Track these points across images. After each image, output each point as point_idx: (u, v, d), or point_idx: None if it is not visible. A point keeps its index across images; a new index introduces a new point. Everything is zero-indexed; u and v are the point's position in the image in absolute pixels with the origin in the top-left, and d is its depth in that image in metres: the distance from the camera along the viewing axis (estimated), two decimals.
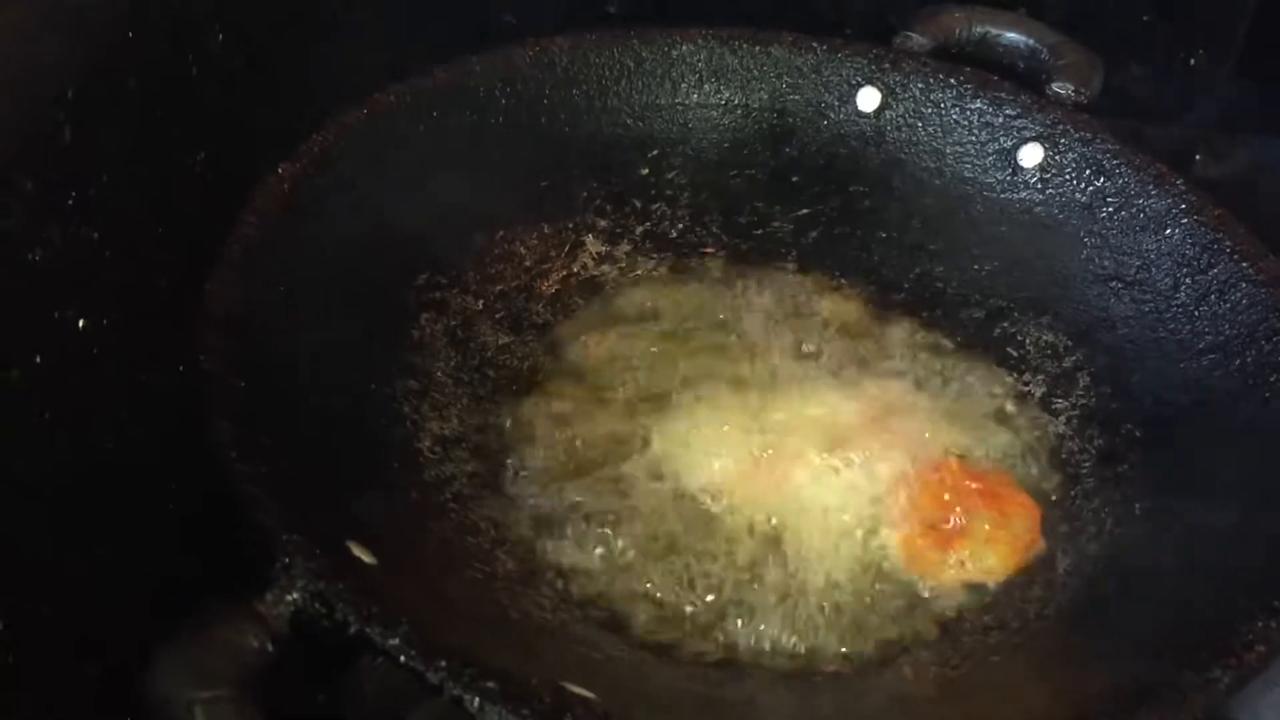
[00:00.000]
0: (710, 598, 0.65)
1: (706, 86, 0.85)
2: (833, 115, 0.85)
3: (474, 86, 0.79)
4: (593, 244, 0.84)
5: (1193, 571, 0.62)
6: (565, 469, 0.70)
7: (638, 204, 0.85)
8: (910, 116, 0.84)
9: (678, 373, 0.76)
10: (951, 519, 0.69)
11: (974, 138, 0.83)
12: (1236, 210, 0.75)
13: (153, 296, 0.65)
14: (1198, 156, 1.07)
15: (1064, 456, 0.74)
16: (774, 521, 0.68)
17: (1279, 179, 1.06)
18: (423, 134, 0.76)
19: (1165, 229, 0.75)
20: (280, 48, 0.76)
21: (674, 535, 0.67)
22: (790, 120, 0.86)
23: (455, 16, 0.93)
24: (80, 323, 0.60)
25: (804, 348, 0.79)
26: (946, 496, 0.70)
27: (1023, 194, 0.81)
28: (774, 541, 0.68)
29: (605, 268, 0.83)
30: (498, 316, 0.78)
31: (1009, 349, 0.80)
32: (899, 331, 0.81)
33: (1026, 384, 0.78)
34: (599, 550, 0.67)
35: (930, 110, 0.83)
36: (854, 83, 0.85)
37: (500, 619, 0.60)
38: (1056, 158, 0.80)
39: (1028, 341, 0.79)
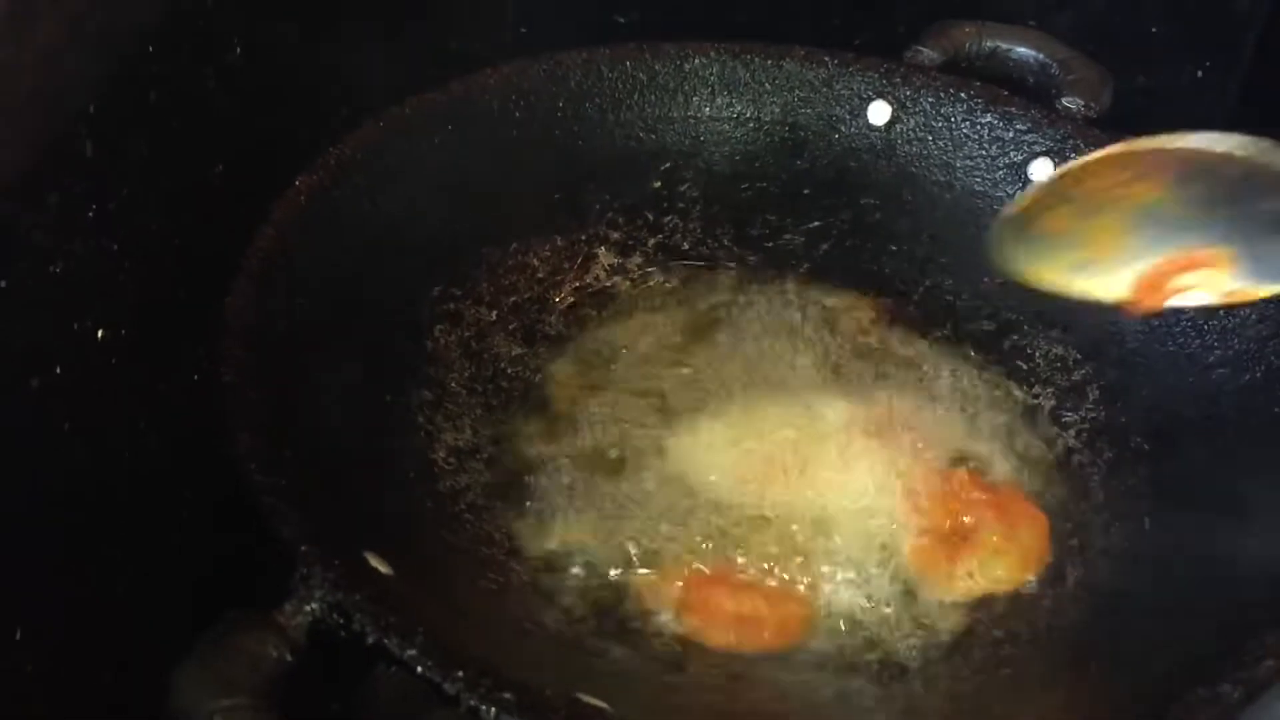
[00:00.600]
0: (722, 608, 0.66)
1: (719, 100, 0.86)
2: (844, 129, 0.86)
3: (488, 100, 0.80)
4: (605, 256, 0.84)
5: (1202, 585, 0.62)
6: (579, 479, 0.71)
7: (650, 216, 0.86)
8: (921, 130, 0.84)
9: (690, 383, 0.77)
10: (960, 530, 0.69)
11: (984, 152, 0.83)
12: None
13: (171, 308, 0.66)
14: None
15: (1073, 469, 0.74)
16: (786, 533, 0.68)
17: None
18: (437, 147, 0.77)
19: None
20: (298, 62, 0.77)
21: (686, 546, 0.68)
22: (802, 133, 0.86)
23: (470, 31, 0.93)
24: (99, 333, 0.60)
25: (814, 360, 0.80)
26: (955, 508, 0.70)
27: None
28: (786, 554, 0.68)
29: (617, 279, 0.84)
30: (511, 328, 0.79)
31: (1019, 362, 0.80)
32: (909, 344, 0.81)
33: (1036, 397, 0.78)
34: (613, 560, 0.67)
35: (941, 124, 0.84)
36: (865, 96, 0.85)
37: (515, 629, 0.61)
38: None
39: (1037, 354, 0.80)
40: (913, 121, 0.85)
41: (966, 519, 0.69)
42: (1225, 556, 0.63)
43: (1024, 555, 0.68)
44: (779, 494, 0.70)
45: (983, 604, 0.67)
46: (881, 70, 0.85)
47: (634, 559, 0.67)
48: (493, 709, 0.49)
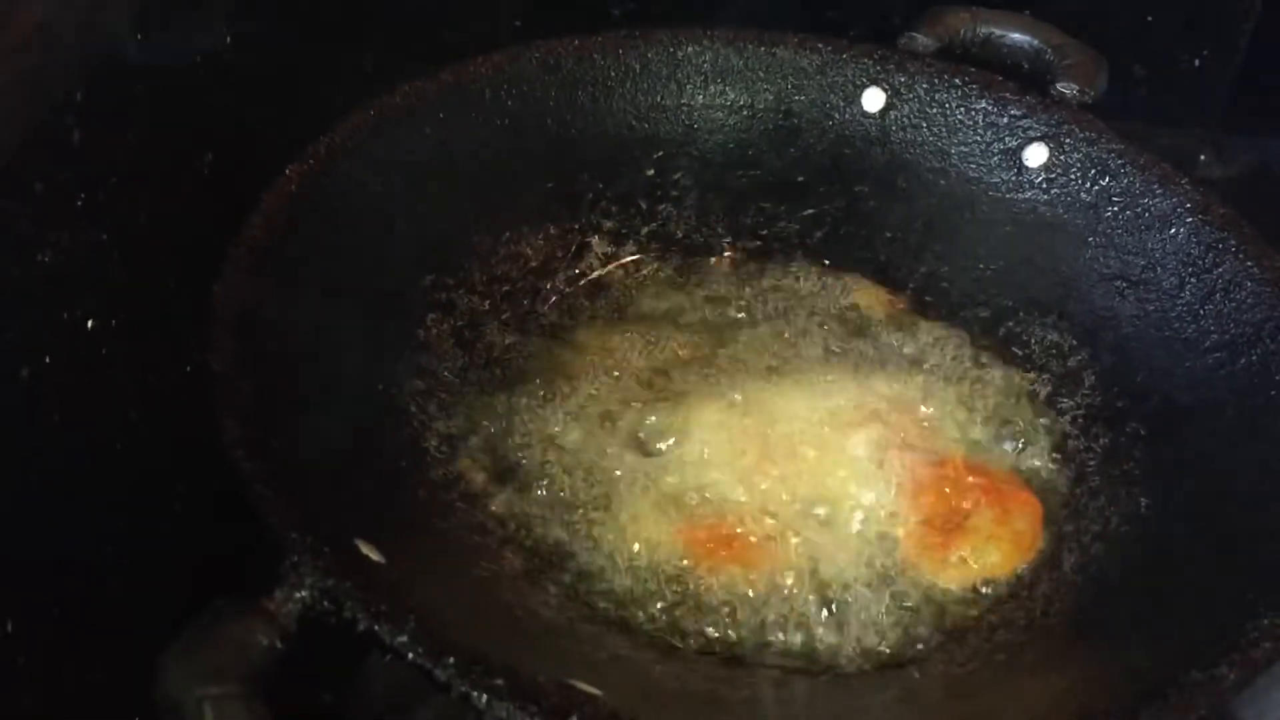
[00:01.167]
0: (716, 597, 0.66)
1: (712, 88, 0.85)
2: (838, 116, 0.85)
3: (480, 89, 0.79)
4: (599, 245, 0.84)
5: (1197, 569, 0.62)
6: (572, 467, 0.70)
7: (643, 205, 0.85)
8: (915, 117, 0.84)
9: (684, 371, 0.77)
10: (955, 515, 0.69)
11: (979, 138, 0.83)
12: (1241, 210, 0.75)
13: (161, 298, 0.66)
14: (1202, 157, 1.08)
15: (1070, 454, 0.74)
16: (780, 519, 0.68)
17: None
18: (429, 136, 0.76)
19: (1170, 228, 0.75)
20: (287, 50, 0.77)
21: (679, 534, 0.68)
22: (796, 121, 0.86)
23: (462, 19, 0.93)
24: (89, 323, 0.60)
25: (809, 345, 0.80)
26: (950, 493, 0.70)
27: (1028, 194, 0.81)
28: (780, 539, 0.68)
29: (611, 268, 0.84)
30: (504, 317, 0.79)
31: (1015, 348, 0.80)
32: (904, 330, 0.81)
33: (1032, 383, 0.78)
34: (605, 548, 0.67)
35: (935, 110, 0.83)
36: (859, 83, 0.85)
37: (507, 617, 0.61)
38: (1061, 158, 0.80)
39: (1033, 340, 0.79)
40: (907, 108, 0.84)
41: (961, 504, 0.69)
42: (1221, 541, 0.63)
43: (1018, 540, 0.68)
44: (774, 478, 0.69)
45: (978, 589, 0.67)
46: (875, 57, 0.84)
47: (630, 545, 0.67)
48: (484, 695, 0.49)
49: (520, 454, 0.71)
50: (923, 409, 0.75)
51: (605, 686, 0.54)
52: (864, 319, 0.82)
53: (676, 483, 0.70)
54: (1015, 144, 0.82)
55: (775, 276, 0.84)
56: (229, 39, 0.70)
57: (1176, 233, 0.75)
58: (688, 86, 0.85)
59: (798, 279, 0.84)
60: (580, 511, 0.68)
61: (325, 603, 0.51)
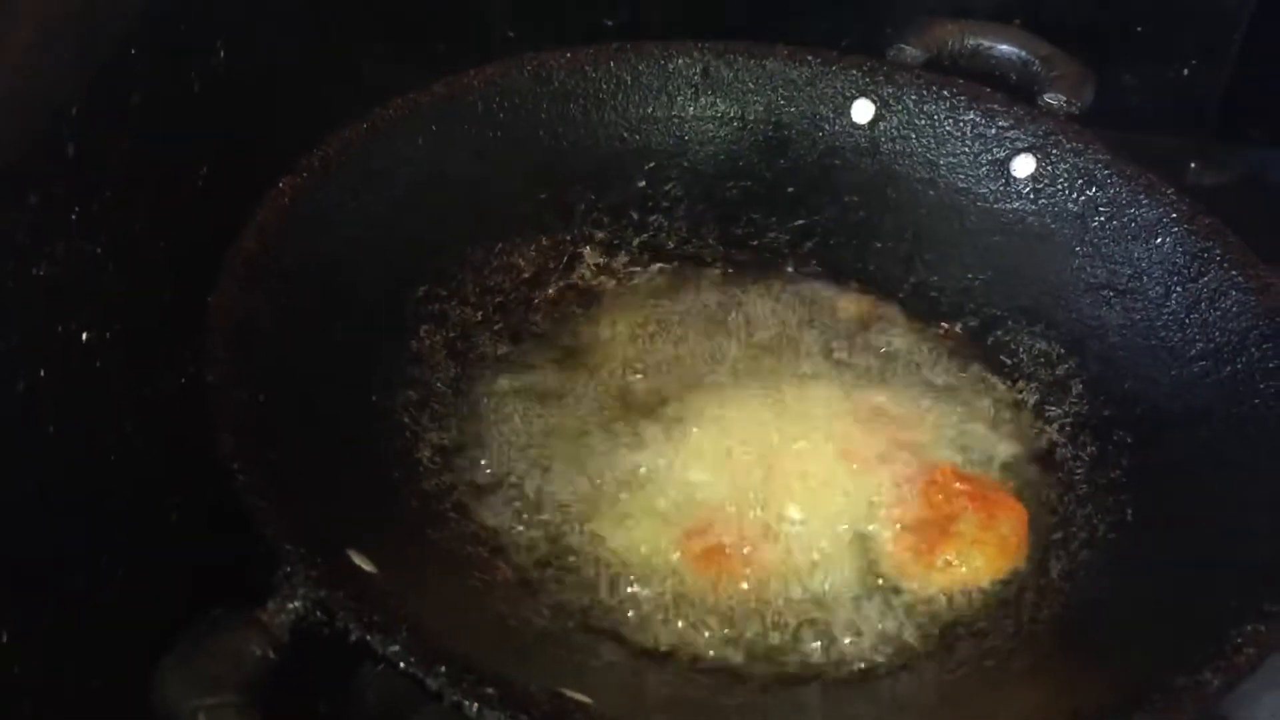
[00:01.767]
0: (707, 605, 0.66)
1: (703, 99, 0.86)
2: (828, 127, 0.86)
3: (472, 101, 0.80)
4: (590, 255, 0.85)
5: (1184, 576, 0.63)
6: (564, 478, 0.71)
7: (635, 215, 0.86)
8: (904, 128, 0.85)
9: (674, 381, 0.77)
10: (940, 522, 0.69)
11: (967, 149, 0.83)
12: (1228, 219, 0.75)
13: (156, 310, 0.66)
14: (1192, 165, 1.08)
15: (1057, 463, 0.74)
16: (770, 527, 0.69)
17: (1270, 188, 1.07)
18: (422, 148, 0.77)
19: (1156, 238, 0.76)
20: (281, 63, 0.77)
21: (671, 541, 0.68)
22: (786, 132, 0.86)
23: (454, 32, 0.94)
24: (84, 336, 0.60)
25: (800, 356, 0.80)
26: (937, 500, 0.70)
27: (1015, 204, 0.82)
28: (770, 547, 0.68)
29: (603, 279, 0.84)
30: (496, 328, 0.79)
31: (1002, 357, 0.80)
32: (893, 340, 0.82)
33: (1020, 392, 0.79)
34: (597, 557, 0.67)
35: (924, 122, 0.84)
36: (849, 95, 0.85)
37: (499, 626, 0.61)
38: (1049, 168, 0.81)
39: (1021, 350, 0.80)
40: (896, 119, 0.85)
41: (947, 511, 0.70)
42: (1207, 548, 0.63)
43: (1002, 547, 0.69)
44: (765, 487, 0.70)
45: (966, 596, 0.67)
46: (864, 68, 0.85)
47: (621, 554, 0.67)
48: (475, 704, 0.49)
49: (512, 464, 0.71)
50: (911, 417, 0.75)
51: (597, 695, 0.54)
52: (853, 328, 0.82)
53: (667, 492, 0.70)
54: (1003, 155, 0.82)
55: (766, 287, 0.85)
56: (223, 53, 0.71)
57: (1162, 242, 0.76)
58: (679, 98, 0.86)
59: (788, 289, 0.85)
60: (572, 521, 0.69)
61: (318, 613, 0.51)
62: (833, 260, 0.86)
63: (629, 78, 0.84)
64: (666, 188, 0.86)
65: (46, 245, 0.57)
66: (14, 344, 0.56)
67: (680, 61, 0.85)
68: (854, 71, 0.85)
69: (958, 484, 0.71)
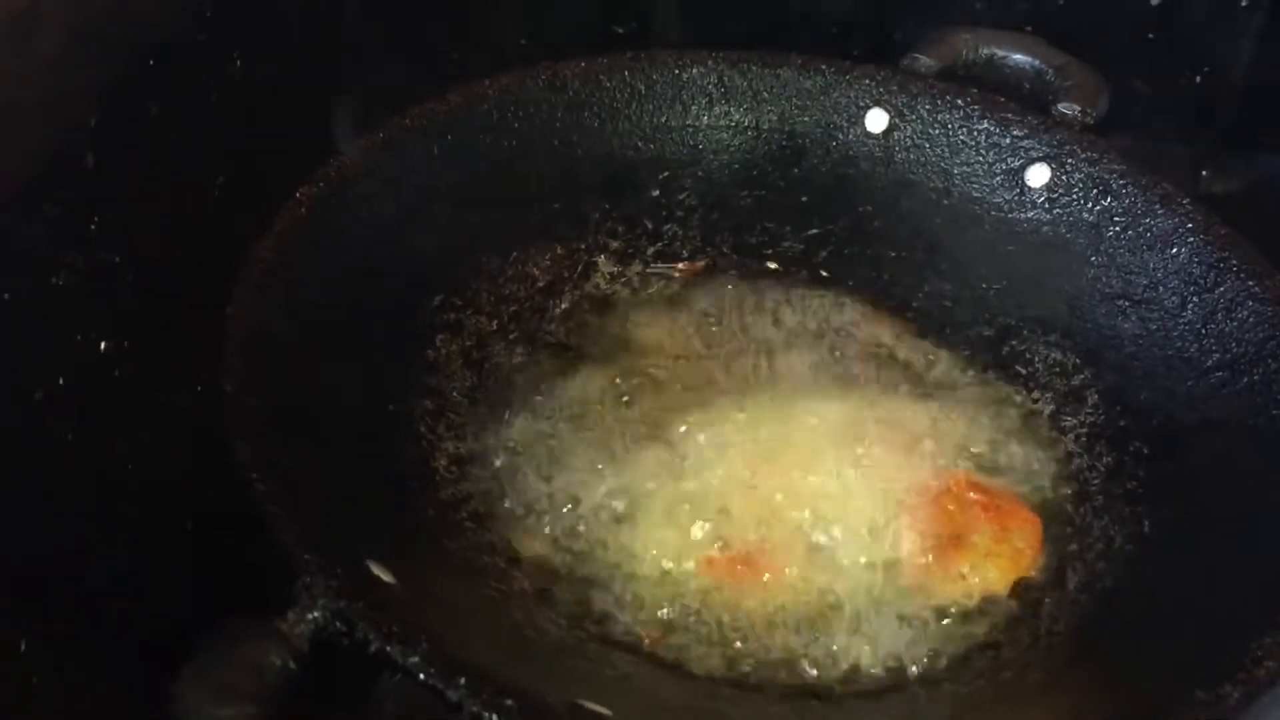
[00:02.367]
0: (722, 616, 0.66)
1: (717, 108, 0.86)
2: (842, 136, 0.86)
3: (487, 110, 0.80)
4: (605, 264, 0.85)
5: (1201, 588, 0.63)
6: (580, 488, 0.71)
7: (649, 225, 0.86)
8: (918, 137, 0.85)
9: (689, 390, 0.77)
10: (954, 533, 0.69)
11: (981, 158, 0.83)
12: (1242, 227, 0.75)
13: (173, 319, 0.66)
14: (1203, 173, 1.08)
15: (1073, 473, 0.74)
16: (785, 538, 0.69)
17: None
18: (437, 157, 0.77)
19: (1172, 248, 0.76)
20: (297, 73, 0.77)
21: (687, 553, 0.68)
22: (800, 141, 0.86)
23: (469, 41, 0.94)
24: (102, 345, 0.61)
25: (814, 365, 0.80)
26: (952, 510, 0.70)
27: (1030, 214, 0.82)
28: (785, 558, 0.68)
29: (617, 288, 0.84)
30: (511, 337, 0.79)
31: (1018, 367, 0.80)
32: (908, 350, 0.82)
33: (1035, 401, 0.78)
34: (613, 567, 0.67)
35: (938, 131, 0.84)
36: (863, 104, 0.85)
37: (517, 637, 0.61)
38: (1063, 178, 0.81)
39: (1036, 360, 0.80)
40: (910, 129, 0.85)
41: (961, 522, 0.69)
42: (1225, 559, 0.63)
43: (1016, 558, 0.69)
44: (780, 497, 0.70)
45: (982, 607, 0.67)
46: (878, 78, 0.85)
47: (637, 564, 0.67)
48: (495, 716, 0.49)
49: (528, 474, 0.71)
50: (926, 428, 0.75)
51: (614, 706, 0.54)
52: (867, 339, 0.82)
53: (683, 503, 0.70)
54: (1018, 164, 0.82)
55: (780, 296, 0.85)
56: (240, 64, 0.71)
57: (1178, 252, 0.75)
58: (693, 107, 0.86)
59: (802, 299, 0.85)
60: (588, 531, 0.69)
61: (337, 623, 0.51)
62: (847, 270, 0.86)
63: (643, 87, 0.85)
64: (681, 197, 0.87)
65: (66, 255, 0.57)
66: (33, 352, 0.56)
67: (695, 71, 0.85)
68: (868, 81, 0.85)
69: (972, 494, 0.71)
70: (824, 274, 0.86)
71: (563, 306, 0.82)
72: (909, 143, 0.85)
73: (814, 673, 0.64)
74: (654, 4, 1.06)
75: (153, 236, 0.64)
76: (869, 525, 0.70)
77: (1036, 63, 0.86)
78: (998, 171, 0.83)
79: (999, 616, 0.67)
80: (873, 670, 0.65)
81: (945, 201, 0.84)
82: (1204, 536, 0.66)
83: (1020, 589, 0.68)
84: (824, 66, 0.86)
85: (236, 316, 0.62)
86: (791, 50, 0.87)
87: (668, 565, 0.67)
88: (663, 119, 0.85)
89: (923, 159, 0.85)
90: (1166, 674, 0.57)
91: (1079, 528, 0.71)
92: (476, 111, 0.80)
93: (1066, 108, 0.83)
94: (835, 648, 0.65)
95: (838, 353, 0.81)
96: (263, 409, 0.59)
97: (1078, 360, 0.79)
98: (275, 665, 0.50)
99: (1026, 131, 0.82)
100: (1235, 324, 0.72)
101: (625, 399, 0.76)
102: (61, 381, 0.57)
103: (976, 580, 0.68)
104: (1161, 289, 0.76)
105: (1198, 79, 1.08)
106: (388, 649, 0.50)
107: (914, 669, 0.65)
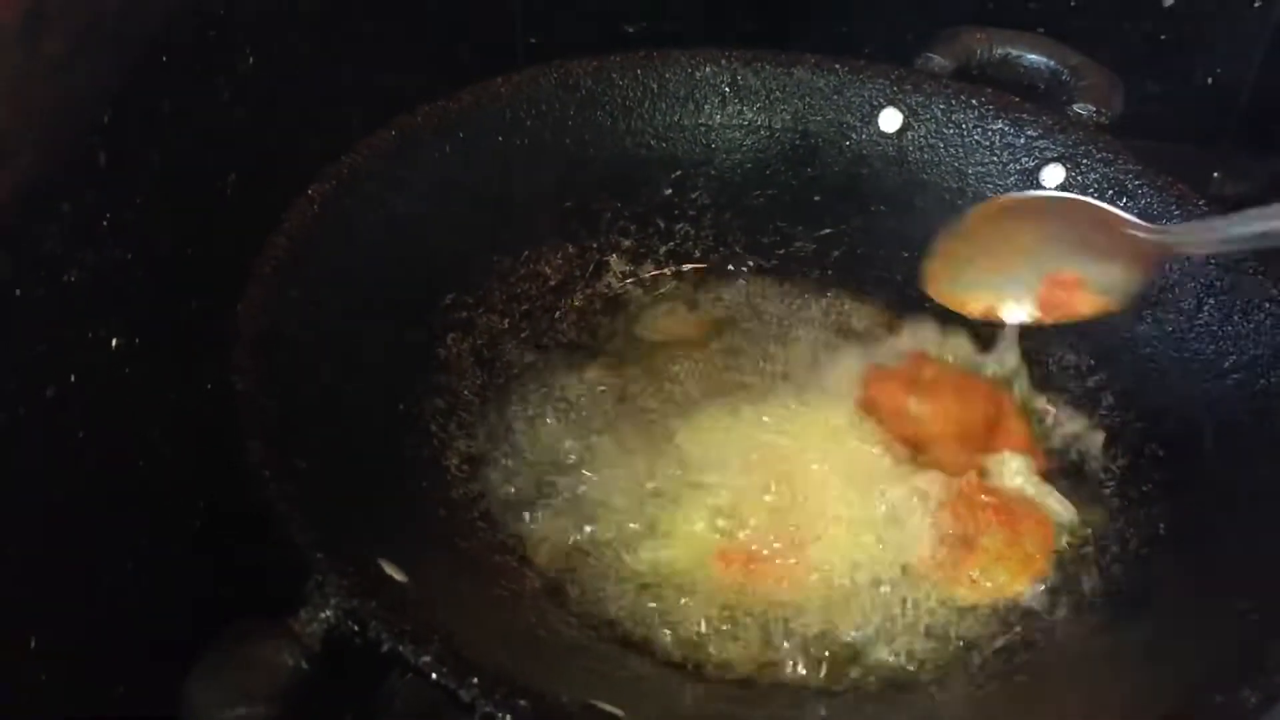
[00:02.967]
0: (734, 616, 0.66)
1: (729, 107, 0.86)
2: (855, 136, 0.86)
3: (499, 108, 0.80)
4: (617, 263, 0.84)
5: (1218, 591, 0.62)
6: (592, 487, 0.71)
7: (661, 224, 0.86)
8: (932, 137, 0.84)
9: (702, 390, 0.77)
10: (966, 535, 0.69)
11: (996, 158, 0.83)
12: None
13: (185, 317, 0.66)
14: (1215, 174, 1.08)
15: (1087, 476, 0.74)
16: (799, 539, 0.68)
17: None
18: (449, 155, 0.77)
19: None
20: (309, 71, 0.77)
21: (699, 553, 0.68)
22: (813, 141, 0.86)
23: (481, 39, 0.94)
24: (114, 342, 0.61)
25: (826, 365, 0.80)
26: (964, 513, 0.70)
27: None
28: (798, 559, 0.68)
29: (629, 287, 0.84)
30: (523, 335, 0.79)
31: (1032, 368, 0.79)
32: (921, 349, 0.81)
33: (1050, 403, 0.78)
34: (624, 567, 0.67)
35: (952, 131, 0.84)
36: (876, 103, 0.85)
37: (529, 637, 0.61)
38: (1078, 178, 0.80)
39: (1050, 361, 0.79)
40: (924, 128, 0.85)
41: (972, 525, 0.69)
42: (1241, 562, 0.63)
43: (1026, 563, 0.68)
44: (792, 497, 0.69)
45: (996, 610, 0.67)
46: (892, 77, 0.85)
47: (649, 564, 0.67)
48: (508, 716, 0.49)
49: (540, 473, 0.71)
50: (939, 429, 0.75)
51: (627, 707, 0.54)
52: (881, 338, 0.82)
53: (696, 503, 0.70)
54: (1032, 164, 0.82)
55: (792, 296, 0.84)
56: (252, 61, 0.71)
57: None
58: (705, 106, 0.86)
59: (815, 298, 0.84)
60: (600, 530, 0.68)
61: (349, 623, 0.51)
62: (860, 269, 0.86)
63: (656, 86, 0.84)
64: (693, 196, 0.86)
65: (78, 253, 0.57)
66: (45, 350, 0.56)
67: (707, 70, 0.85)
68: (881, 80, 0.85)
69: (983, 497, 0.71)
70: (837, 274, 0.86)
71: (574, 305, 0.82)
72: (923, 143, 0.85)
73: (828, 674, 0.64)
74: (666, 2, 1.06)
75: (164, 234, 0.64)
76: (881, 528, 0.69)
77: (1051, 63, 0.86)
78: (1012, 172, 0.83)
79: (1013, 619, 0.66)
80: (885, 672, 0.64)
81: (959, 202, 0.84)
82: (1220, 539, 0.65)
83: (1034, 592, 0.68)
84: (837, 65, 0.85)
85: (248, 314, 0.62)
86: (805, 49, 0.87)
87: (681, 566, 0.67)
88: (675, 118, 0.85)
89: (936, 159, 0.85)
90: (1183, 678, 0.57)
91: (1094, 530, 0.71)
92: (488, 110, 0.79)
93: (1081, 108, 0.83)
94: (849, 649, 0.65)
95: (850, 353, 0.80)
96: (273, 407, 0.58)
97: (1092, 362, 0.78)
98: (287, 665, 0.50)
99: (1041, 131, 0.82)
100: (1251, 326, 0.72)
101: (637, 398, 0.76)
102: (73, 379, 0.57)
103: (988, 584, 0.68)
104: (1177, 291, 0.75)
105: (1209, 79, 1.08)
106: (400, 648, 0.50)
107: (928, 671, 0.64)
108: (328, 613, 0.51)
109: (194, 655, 0.50)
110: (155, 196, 0.63)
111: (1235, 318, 0.72)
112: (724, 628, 0.65)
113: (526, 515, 0.69)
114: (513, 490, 0.70)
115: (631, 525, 0.69)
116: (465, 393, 0.74)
